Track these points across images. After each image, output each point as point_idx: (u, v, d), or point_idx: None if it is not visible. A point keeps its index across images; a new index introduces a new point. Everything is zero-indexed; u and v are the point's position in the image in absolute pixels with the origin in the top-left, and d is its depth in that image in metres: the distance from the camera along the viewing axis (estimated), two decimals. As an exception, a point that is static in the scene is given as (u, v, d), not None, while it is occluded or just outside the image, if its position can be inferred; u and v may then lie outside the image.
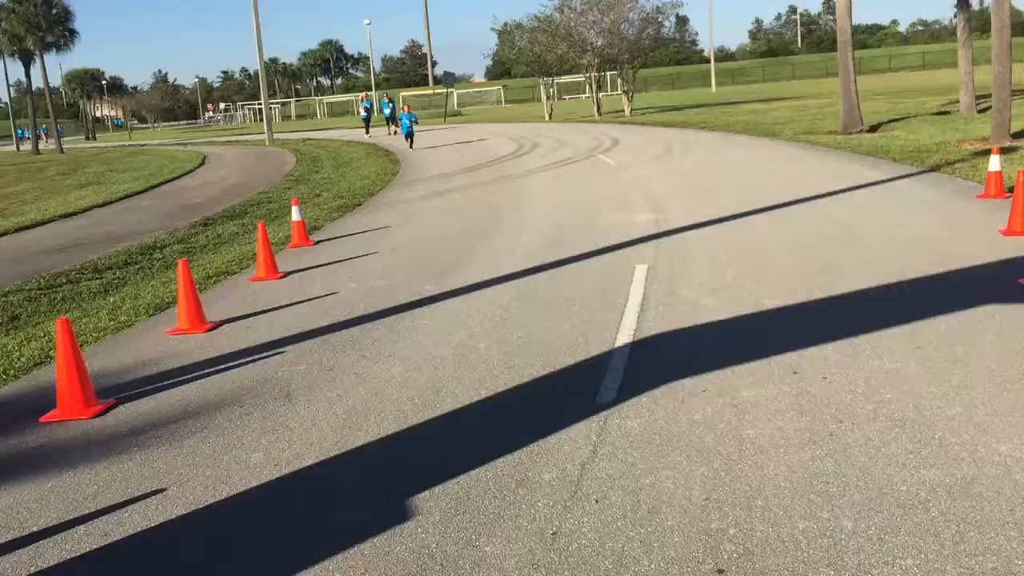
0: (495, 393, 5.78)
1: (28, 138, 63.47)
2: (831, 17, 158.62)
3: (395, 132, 40.50)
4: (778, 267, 8.78)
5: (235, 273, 10.96)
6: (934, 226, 10.37)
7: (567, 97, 79.45)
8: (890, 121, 25.66)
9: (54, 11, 55.66)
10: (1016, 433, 4.53)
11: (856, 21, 23.77)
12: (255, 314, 8.66)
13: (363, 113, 43.94)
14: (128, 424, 5.81)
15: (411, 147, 30.76)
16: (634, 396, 5.45)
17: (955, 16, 27.62)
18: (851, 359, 5.86)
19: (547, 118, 47.23)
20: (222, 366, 6.97)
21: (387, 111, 42.86)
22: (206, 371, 6.87)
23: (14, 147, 70.77)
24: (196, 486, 4.71)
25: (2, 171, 38.48)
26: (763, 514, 3.87)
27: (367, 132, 41.72)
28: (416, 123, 32.12)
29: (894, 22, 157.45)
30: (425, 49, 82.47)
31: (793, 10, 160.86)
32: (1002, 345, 5.95)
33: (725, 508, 3.95)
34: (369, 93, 56.64)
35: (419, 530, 4.00)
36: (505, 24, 48.99)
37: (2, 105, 75.86)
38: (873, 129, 23.72)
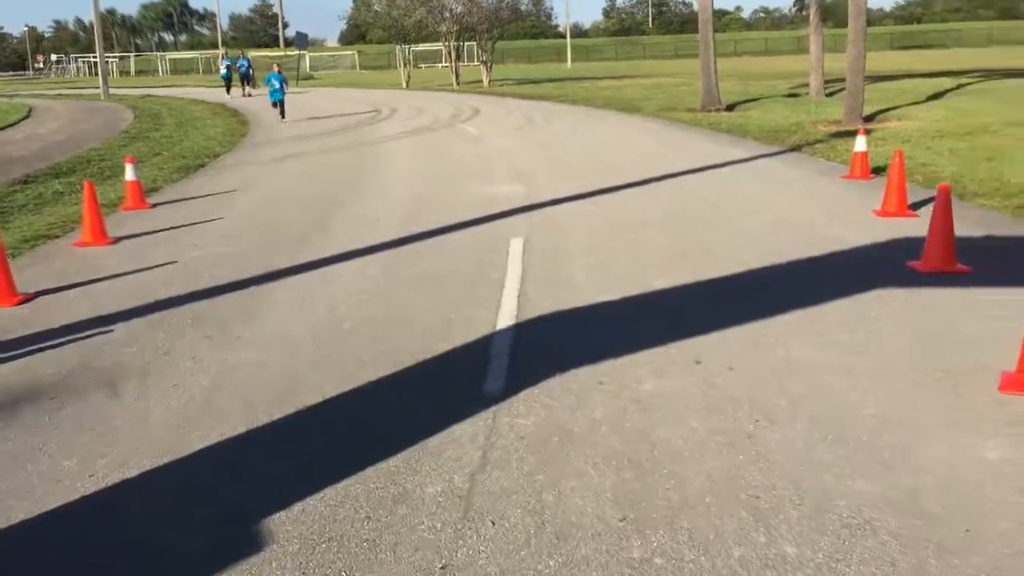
0: (364, 383, 5.02)
1: None
2: (681, 0, 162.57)
3: (250, 94, 37.99)
4: (657, 245, 8.32)
5: (57, 237, 9.68)
6: (808, 207, 10.19)
7: (423, 66, 77.89)
8: (745, 101, 26.01)
9: None
10: (938, 431, 4.15)
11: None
12: (78, 285, 7.53)
13: (223, 71, 40.51)
14: (-94, 421, 4.73)
15: (282, 116, 24.54)
16: (524, 388, 4.80)
17: (794, 3, 28.16)
18: (753, 347, 5.40)
19: (404, 85, 46.00)
20: (33, 347, 5.90)
21: (243, 69, 39.74)
22: (12, 352, 5.79)
23: None
24: (-13, 504, 3.76)
25: None
26: (691, 538, 3.29)
27: (228, 92, 38.71)
28: (287, 85, 25.27)
29: (738, 8, 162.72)
30: (276, 9, 79.14)
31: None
32: (901, 331, 5.63)
33: (646, 531, 3.35)
34: (229, 50, 52.82)
35: (273, 565, 3.23)
36: (362, -15, 47.19)
37: None
38: (730, 108, 23.93)
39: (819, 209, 9.95)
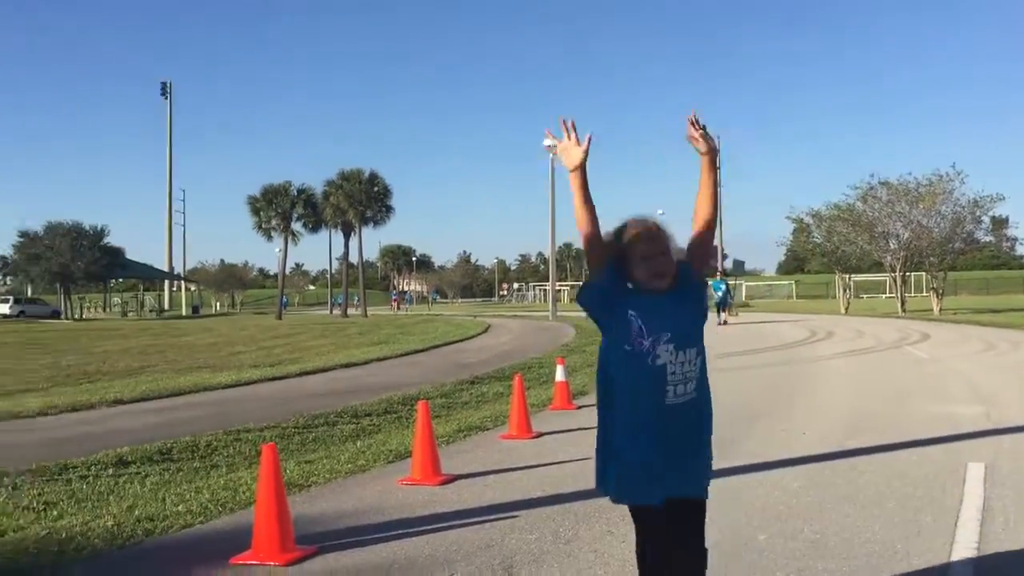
0: (777, 604, 4.21)
1: (341, 304, 69.37)
2: None
3: (725, 321, 32.83)
4: None
5: (488, 429, 10.07)
6: None
7: (864, 296, 75.15)
8: None
9: (375, 188, 61.30)
10: None
11: None
12: (496, 472, 7.59)
13: None
14: (317, 578, 4.81)
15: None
16: (992, 638, 3.68)
17: None
18: None
19: (843, 311, 44.30)
20: (444, 524, 5.89)
21: (719, 294, 33.68)
22: (424, 528, 5.81)
23: (328, 311, 77.53)
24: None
25: (311, 328, 41.61)
26: None
27: None
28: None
29: None
30: (716, 242, 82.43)
31: None
32: None
33: None
34: None
35: None
36: (802, 215, 47.20)
37: (334, 274, 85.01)
38: None
39: None
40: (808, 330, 28.77)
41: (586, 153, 3.39)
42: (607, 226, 3.43)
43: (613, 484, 3.38)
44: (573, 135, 3.42)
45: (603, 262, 3.36)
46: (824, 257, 48.43)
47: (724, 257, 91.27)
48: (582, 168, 3.37)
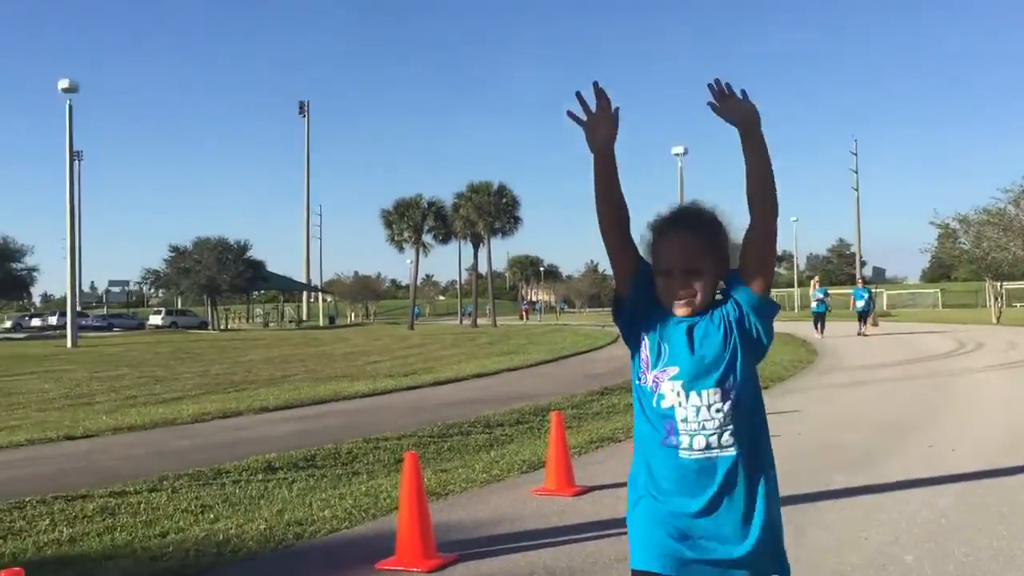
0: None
1: (470, 314, 70.45)
2: None
3: (864, 332, 30.60)
4: None
5: (620, 441, 10.07)
6: None
7: (1018, 305, 71.07)
8: None
9: (503, 200, 62.11)
10: None
11: None
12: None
13: (815, 305, 31.18)
14: (458, 585, 4.95)
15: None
16: None
17: None
18: None
19: (994, 321, 42.04)
20: (579, 535, 5.95)
21: (861, 303, 31.85)
22: (560, 538, 5.89)
23: (457, 321, 78.81)
24: None
25: (442, 338, 42.43)
26: None
27: (820, 331, 29.74)
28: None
29: None
30: (854, 248, 79.43)
31: None
32: None
33: None
34: (819, 279, 39.53)
35: None
36: (948, 220, 45.05)
37: (463, 285, 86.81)
38: None
39: None
40: (956, 341, 27.46)
41: (616, 129, 2.62)
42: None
43: (634, 543, 2.71)
44: (605, 106, 2.61)
45: (627, 271, 2.71)
46: (972, 264, 46.06)
47: (863, 264, 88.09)
48: (612, 149, 2.63)
